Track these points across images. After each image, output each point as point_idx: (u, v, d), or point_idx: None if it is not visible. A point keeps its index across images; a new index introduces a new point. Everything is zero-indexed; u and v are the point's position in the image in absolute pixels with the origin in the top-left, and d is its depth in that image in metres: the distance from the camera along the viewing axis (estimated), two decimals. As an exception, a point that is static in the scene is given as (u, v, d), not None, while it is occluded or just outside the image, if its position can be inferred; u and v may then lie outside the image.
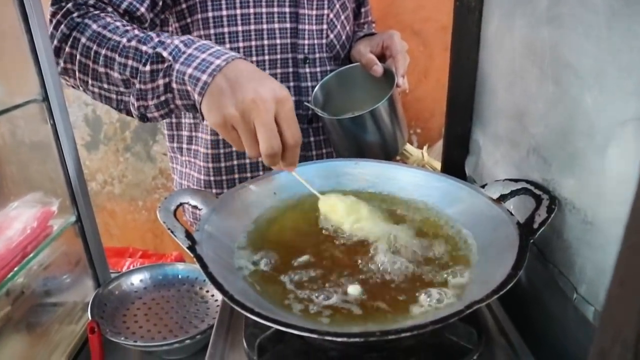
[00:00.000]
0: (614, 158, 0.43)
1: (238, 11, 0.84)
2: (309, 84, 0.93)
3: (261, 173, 0.94)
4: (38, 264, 0.69)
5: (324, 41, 0.93)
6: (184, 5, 0.85)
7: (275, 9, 0.86)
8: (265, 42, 0.87)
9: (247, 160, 0.94)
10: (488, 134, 0.74)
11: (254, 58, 0.88)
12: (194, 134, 0.96)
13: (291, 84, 0.92)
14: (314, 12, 0.90)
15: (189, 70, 0.62)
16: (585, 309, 0.47)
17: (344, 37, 0.97)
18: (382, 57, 0.94)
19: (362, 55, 0.92)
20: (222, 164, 0.94)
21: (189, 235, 0.51)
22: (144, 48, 0.66)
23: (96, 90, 0.72)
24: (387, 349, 0.48)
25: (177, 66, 0.63)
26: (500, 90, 0.69)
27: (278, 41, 0.88)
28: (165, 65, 0.65)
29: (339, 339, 0.37)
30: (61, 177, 0.69)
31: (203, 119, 0.63)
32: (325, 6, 0.91)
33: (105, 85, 0.70)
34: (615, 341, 0.22)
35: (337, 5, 0.94)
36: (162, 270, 0.82)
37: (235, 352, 0.51)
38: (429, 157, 0.99)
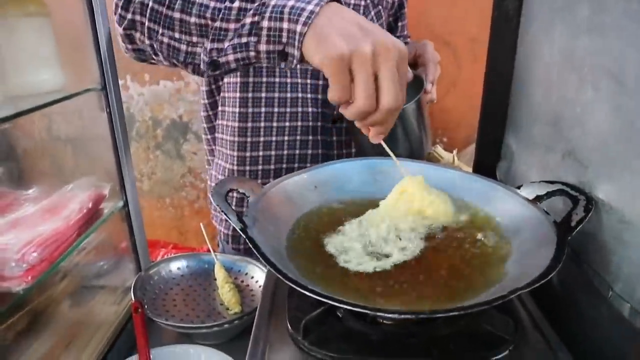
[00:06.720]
0: (654, 159, 0.45)
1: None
2: None
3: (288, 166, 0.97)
4: (86, 245, 0.72)
5: None
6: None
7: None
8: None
9: (273, 152, 0.96)
10: (521, 139, 0.76)
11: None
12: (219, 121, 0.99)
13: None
14: None
15: (290, 2, 0.59)
16: (621, 306, 0.48)
17: None
18: (414, 66, 0.95)
19: None
20: (248, 154, 0.96)
21: (240, 219, 0.54)
22: None
23: (165, 40, 0.67)
24: (426, 335, 0.50)
25: (273, 2, 0.61)
26: (536, 96, 0.71)
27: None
28: (257, 4, 0.62)
29: (389, 315, 0.40)
30: (112, 163, 0.73)
31: (288, 63, 0.61)
32: None
33: (177, 35, 0.67)
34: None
35: None
36: (199, 259, 0.85)
37: (278, 334, 0.54)
38: (459, 161, 1.01)
